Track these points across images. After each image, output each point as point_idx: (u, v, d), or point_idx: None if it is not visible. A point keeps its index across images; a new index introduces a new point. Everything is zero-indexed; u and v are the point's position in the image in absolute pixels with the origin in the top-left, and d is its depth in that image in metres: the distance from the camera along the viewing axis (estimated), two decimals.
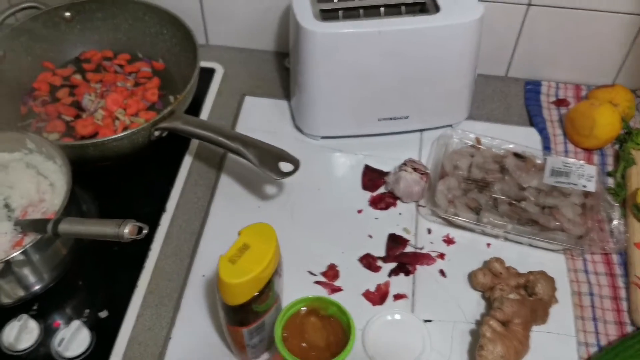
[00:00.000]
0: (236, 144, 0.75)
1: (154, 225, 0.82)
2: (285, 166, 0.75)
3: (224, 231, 0.81)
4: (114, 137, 0.81)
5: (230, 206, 0.84)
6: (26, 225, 0.70)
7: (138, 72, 1.00)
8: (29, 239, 0.69)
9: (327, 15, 0.82)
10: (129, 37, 1.03)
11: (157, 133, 0.85)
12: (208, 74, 1.03)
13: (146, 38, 1.02)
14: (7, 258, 0.66)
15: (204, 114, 0.97)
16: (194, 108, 0.95)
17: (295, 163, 0.74)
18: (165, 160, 0.90)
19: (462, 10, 0.81)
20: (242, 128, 0.94)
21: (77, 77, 0.98)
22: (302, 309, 0.64)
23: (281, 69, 1.04)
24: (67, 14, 1.00)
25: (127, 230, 0.64)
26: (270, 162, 0.74)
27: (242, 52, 1.07)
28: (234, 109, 0.98)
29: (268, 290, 0.60)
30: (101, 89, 0.95)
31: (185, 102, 0.89)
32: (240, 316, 0.61)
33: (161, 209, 0.84)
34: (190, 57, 0.95)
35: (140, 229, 0.65)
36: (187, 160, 0.90)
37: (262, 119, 0.95)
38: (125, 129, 0.92)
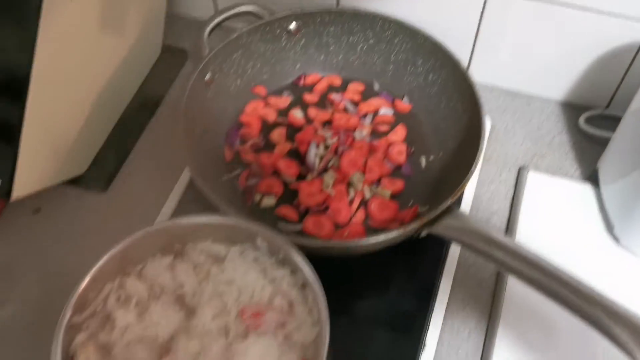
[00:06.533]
0: (594, 309, 0.47)
1: None
2: None
3: None
4: (369, 242, 0.56)
5: (518, 351, 0.57)
6: None
7: (375, 114, 0.74)
8: None
9: None
10: (365, 61, 0.77)
11: (423, 234, 0.59)
12: None
13: (389, 66, 0.76)
14: None
15: (468, 194, 0.69)
16: None
17: None
18: (419, 255, 0.65)
19: None
20: (524, 227, 0.65)
21: (297, 114, 0.74)
22: None
23: (574, 130, 0.74)
24: (293, 25, 0.74)
25: None
26: None
27: (515, 97, 0.77)
28: (509, 187, 0.69)
29: None
30: (332, 138, 0.70)
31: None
32: None
33: (418, 343, 0.58)
34: (457, 105, 0.68)
35: None
36: (450, 265, 0.64)
37: (552, 211, 0.66)
38: (362, 201, 0.66)
